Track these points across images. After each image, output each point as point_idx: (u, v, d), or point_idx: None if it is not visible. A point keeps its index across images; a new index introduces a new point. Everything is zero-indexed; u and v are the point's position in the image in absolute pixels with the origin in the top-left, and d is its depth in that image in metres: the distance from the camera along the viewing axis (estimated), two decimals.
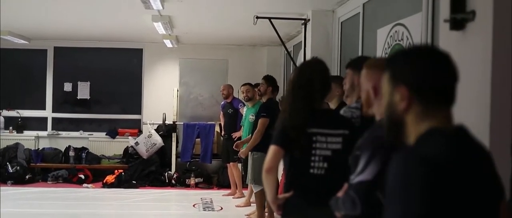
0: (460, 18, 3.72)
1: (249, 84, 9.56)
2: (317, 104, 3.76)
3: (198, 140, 12.01)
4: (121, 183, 11.21)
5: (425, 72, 1.91)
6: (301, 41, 8.81)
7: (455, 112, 2.72)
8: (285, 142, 3.67)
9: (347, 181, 3.01)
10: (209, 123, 12.13)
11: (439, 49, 2.02)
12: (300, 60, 9.17)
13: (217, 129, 11.91)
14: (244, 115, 9.72)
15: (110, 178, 11.29)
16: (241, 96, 9.99)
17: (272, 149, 3.68)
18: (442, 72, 1.93)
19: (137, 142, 11.81)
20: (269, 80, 8.58)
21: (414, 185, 1.75)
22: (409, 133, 1.93)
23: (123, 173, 11.39)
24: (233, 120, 10.27)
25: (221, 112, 10.80)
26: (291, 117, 3.69)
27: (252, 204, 9.25)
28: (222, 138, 10.68)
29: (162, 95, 12.55)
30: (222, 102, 10.99)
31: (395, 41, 5.86)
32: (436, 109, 1.92)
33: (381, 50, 6.23)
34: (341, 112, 3.92)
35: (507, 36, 3.41)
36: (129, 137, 12.19)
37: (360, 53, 7.01)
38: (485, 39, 3.49)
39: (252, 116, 9.26)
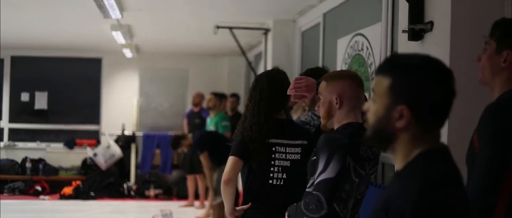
0: (418, 29, 3.74)
1: (212, 94, 9.52)
2: (276, 115, 3.72)
3: (158, 150, 11.90)
4: (79, 194, 11.02)
5: (431, 96, 1.79)
6: (263, 51, 8.79)
7: None
8: (244, 152, 3.63)
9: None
10: (169, 133, 12.02)
11: (445, 65, 1.85)
12: (261, 70, 9.15)
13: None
14: (207, 125, 9.69)
15: (67, 190, 11.09)
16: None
17: (230, 160, 3.64)
18: (446, 94, 1.82)
19: (95, 153, 11.64)
20: (217, 95, 8.59)
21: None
22: (398, 150, 1.85)
23: (81, 185, 11.21)
24: (200, 130, 10.18)
25: (186, 121, 10.70)
26: (250, 128, 3.65)
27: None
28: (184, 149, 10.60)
29: (122, 106, 12.42)
30: (188, 111, 10.90)
31: (355, 51, 5.86)
32: (431, 132, 1.85)
33: (341, 60, 6.23)
34: (301, 117, 3.90)
35: (464, 46, 3.43)
36: (88, 148, 12.01)
37: (320, 64, 7.00)
38: (443, 49, 3.50)
39: (213, 127, 9.22)
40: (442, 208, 1.72)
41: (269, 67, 8.25)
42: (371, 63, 5.47)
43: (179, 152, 10.75)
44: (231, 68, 12.44)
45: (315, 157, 2.95)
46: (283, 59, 8.03)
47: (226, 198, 3.67)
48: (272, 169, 3.65)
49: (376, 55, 5.34)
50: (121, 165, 11.87)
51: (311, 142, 3.62)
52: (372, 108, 1.87)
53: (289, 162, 3.67)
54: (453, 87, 1.83)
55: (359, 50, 5.78)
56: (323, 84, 3.04)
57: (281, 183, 3.66)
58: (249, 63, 9.02)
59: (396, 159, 1.88)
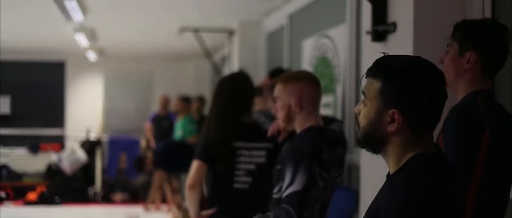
0: (381, 30, 3.72)
1: (178, 98, 9.48)
2: (241, 118, 3.69)
3: (123, 154, 11.77)
4: (43, 200, 10.85)
5: (423, 100, 1.77)
6: (228, 53, 8.74)
7: None
8: (208, 156, 3.60)
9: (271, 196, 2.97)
10: (134, 136, 11.91)
11: (436, 68, 1.82)
12: (226, 72, 9.10)
13: (142, 142, 11.70)
14: (174, 129, 9.62)
15: (32, 196, 10.92)
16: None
17: (194, 164, 3.60)
18: (438, 97, 1.80)
19: (60, 158, 11.47)
20: (183, 99, 8.55)
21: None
22: (390, 154, 1.83)
23: (45, 190, 11.03)
24: (168, 133, 10.07)
25: (150, 124, 10.61)
26: (215, 131, 3.61)
27: None
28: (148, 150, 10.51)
29: (86, 109, 12.30)
30: (153, 115, 10.80)
31: (321, 52, 5.84)
32: (423, 136, 1.82)
33: (306, 61, 6.20)
34: (255, 116, 3.89)
35: (427, 47, 3.41)
36: (52, 153, 11.84)
37: (286, 65, 6.98)
38: (406, 51, 3.48)
39: (180, 131, 9.15)
40: (427, 216, 1.69)
41: (234, 70, 8.21)
42: (336, 65, 5.45)
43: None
44: (197, 71, 12.38)
45: (279, 166, 2.92)
46: (249, 61, 7.98)
47: (191, 202, 3.63)
48: (237, 172, 3.63)
49: (341, 57, 5.32)
50: (87, 169, 11.71)
51: (277, 145, 3.60)
52: (363, 111, 1.84)
53: (254, 165, 3.65)
54: (444, 90, 1.81)
55: (324, 52, 5.76)
56: (280, 87, 2.99)
57: (247, 187, 3.64)
58: (213, 65, 8.96)
59: (389, 163, 1.86)
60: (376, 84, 1.79)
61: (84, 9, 7.08)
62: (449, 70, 2.52)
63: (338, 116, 5.33)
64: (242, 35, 8.15)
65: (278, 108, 3.03)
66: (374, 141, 1.83)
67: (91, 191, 11.34)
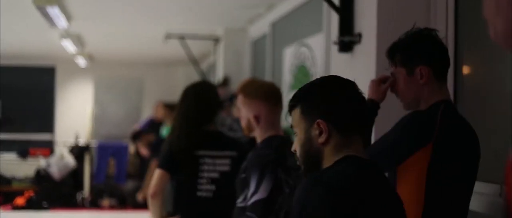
0: (347, 41, 3.76)
1: (162, 104, 9.48)
2: (204, 127, 3.72)
3: (112, 160, 11.79)
4: (31, 205, 10.85)
5: (341, 104, 1.92)
6: (214, 60, 8.77)
7: None
8: (171, 165, 3.63)
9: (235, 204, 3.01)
10: (123, 142, 11.93)
11: (344, 78, 2.01)
12: (212, 79, 9.14)
13: (131, 148, 11.71)
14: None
15: (20, 201, 10.93)
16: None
17: (157, 172, 3.63)
18: (354, 100, 1.94)
19: (49, 163, 11.49)
20: (167, 106, 8.55)
21: (311, 207, 1.77)
22: (326, 164, 1.92)
23: (33, 195, 11.05)
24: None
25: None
26: (178, 140, 3.64)
27: None
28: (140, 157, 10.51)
29: (76, 115, 12.32)
30: (147, 121, 10.77)
31: (300, 60, 5.87)
32: (352, 139, 1.92)
33: (287, 69, 6.24)
34: (229, 120, 3.92)
35: None
36: (41, 158, 11.86)
37: (268, 72, 7.01)
38: (370, 61, 3.52)
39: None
40: (321, 203, 1.76)
41: (220, 76, 8.24)
42: (314, 74, 5.48)
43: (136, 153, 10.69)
44: (186, 77, 12.37)
45: (244, 175, 2.96)
46: (234, 68, 8.02)
47: (153, 211, 3.66)
48: (200, 181, 3.66)
49: (318, 66, 5.35)
50: (75, 174, 11.73)
51: (241, 153, 3.63)
52: (297, 142, 1.96)
53: (218, 173, 3.68)
54: (359, 93, 1.95)
55: (303, 60, 5.79)
56: (240, 98, 3.07)
57: (210, 195, 3.67)
58: (199, 72, 8.99)
59: None
60: (297, 111, 1.94)
61: (68, 16, 7.11)
62: (407, 94, 2.53)
63: None
64: (227, 43, 8.19)
65: (241, 117, 3.12)
66: (313, 160, 1.92)
67: (79, 196, 11.36)
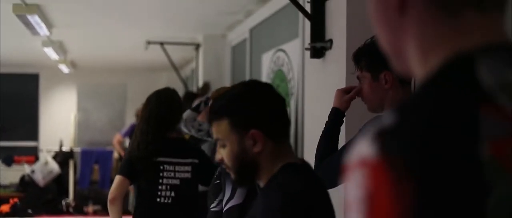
0: (319, 47, 3.85)
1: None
2: (167, 133, 3.76)
3: (96, 166, 11.83)
4: (16, 212, 10.86)
5: (270, 111, 1.95)
6: (195, 66, 8.86)
7: (317, 133, 2.81)
8: (130, 171, 3.68)
9: (197, 209, 3.08)
10: (107, 148, 11.97)
11: (262, 82, 2.09)
12: (193, 85, 9.21)
13: (116, 154, 11.75)
14: None
15: (5, 208, 10.93)
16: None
17: (117, 179, 3.69)
18: (278, 105, 1.99)
19: (33, 169, 11.51)
20: None
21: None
22: (264, 173, 1.94)
23: (18, 202, 11.06)
24: None
25: (122, 139, 10.62)
26: (137, 146, 3.69)
27: None
28: None
29: (60, 121, 12.33)
30: (130, 127, 10.79)
31: (277, 66, 5.97)
32: (284, 143, 1.97)
33: (265, 75, 6.34)
34: (184, 115, 3.93)
35: None
36: (25, 165, 11.87)
37: (247, 78, 7.10)
38: (341, 67, 3.61)
39: None
40: (284, 213, 1.80)
41: (200, 82, 8.33)
42: (291, 79, 5.58)
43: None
44: (169, 83, 12.23)
45: (218, 181, 3.02)
46: (214, 74, 8.11)
47: (112, 216, 3.69)
48: (160, 187, 3.70)
49: (295, 71, 5.45)
50: (60, 181, 11.75)
51: (203, 160, 3.70)
52: (225, 153, 1.95)
53: (178, 180, 3.72)
54: (279, 97, 2.00)
55: (280, 66, 5.89)
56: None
57: (169, 201, 3.71)
58: (180, 78, 9.08)
59: (262, 179, 1.96)
60: (224, 122, 1.93)
61: (49, 24, 7.17)
62: (372, 98, 2.59)
63: (292, 128, 5.46)
64: (207, 48, 8.28)
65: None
66: (248, 169, 1.93)
67: (64, 202, 11.38)
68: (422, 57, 0.84)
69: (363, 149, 0.75)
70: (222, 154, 1.96)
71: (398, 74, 2.50)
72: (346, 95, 2.69)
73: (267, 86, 2.04)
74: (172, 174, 3.71)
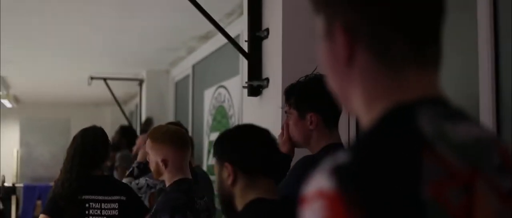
0: (256, 85, 3.93)
1: None
2: (92, 171, 3.79)
3: (39, 201, 11.65)
4: None
5: (243, 148, 2.12)
6: (138, 101, 8.89)
7: None
8: (55, 210, 3.65)
9: None
10: (50, 183, 11.81)
11: (258, 126, 2.23)
12: (136, 120, 9.22)
13: None
14: None
15: None
16: None
17: (40, 217, 3.67)
18: (260, 147, 2.15)
19: None
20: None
21: None
22: (238, 204, 2.10)
23: None
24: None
25: None
26: (61, 184, 3.69)
27: None
28: None
29: (2, 156, 12.13)
30: None
31: (219, 102, 6.07)
32: (259, 180, 2.11)
33: (207, 110, 6.42)
34: (142, 180, 4.02)
35: None
36: None
37: (190, 114, 7.18)
38: (276, 104, 3.70)
39: None
40: None
41: (144, 117, 8.36)
42: (232, 115, 5.68)
43: None
44: (113, 118, 12.41)
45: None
46: (157, 109, 8.16)
47: None
48: None
49: (235, 107, 5.55)
50: (2, 217, 11.54)
51: (131, 198, 3.74)
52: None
53: (105, 217, 3.76)
54: (268, 142, 2.17)
55: (222, 102, 5.99)
56: (148, 143, 3.16)
57: None
58: (124, 113, 9.09)
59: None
60: (214, 156, 2.19)
61: None
62: (296, 135, 2.64)
63: None
64: (150, 84, 8.33)
65: (150, 161, 3.22)
66: (226, 200, 2.13)
67: None
68: (367, 105, 0.96)
69: (320, 182, 0.85)
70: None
71: (327, 116, 2.61)
72: (281, 138, 2.73)
73: (257, 129, 2.22)
74: (98, 212, 3.70)
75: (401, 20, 0.93)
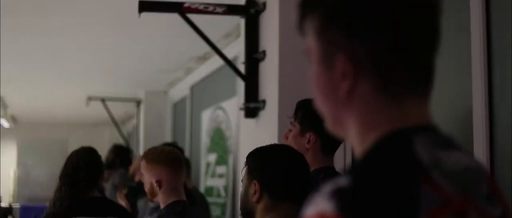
0: (253, 107, 3.94)
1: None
2: (85, 193, 3.76)
3: None
4: None
5: (275, 171, 2.16)
6: (136, 122, 8.89)
7: None
8: None
9: None
10: (47, 204, 11.77)
11: (294, 150, 2.29)
12: (134, 141, 9.21)
13: None
14: None
15: None
16: None
17: None
18: (289, 172, 2.18)
19: None
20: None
21: None
22: None
23: None
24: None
25: None
26: (54, 205, 3.67)
27: None
28: None
29: None
30: None
31: (216, 123, 6.07)
32: (282, 205, 2.14)
33: (205, 132, 6.42)
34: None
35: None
36: None
37: (188, 134, 7.18)
38: (272, 126, 3.71)
39: None
40: None
41: (142, 138, 8.35)
42: (229, 136, 5.68)
43: None
44: (111, 139, 12.37)
45: None
46: (155, 130, 8.15)
47: None
48: None
49: (233, 129, 5.55)
50: None
51: (123, 217, 3.74)
52: (241, 192, 2.25)
53: None
54: (299, 168, 2.22)
55: (220, 123, 5.99)
56: (143, 164, 3.16)
57: None
58: (122, 134, 9.08)
59: None
60: (245, 168, 2.23)
61: None
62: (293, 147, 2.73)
63: (230, 186, 5.53)
64: (148, 105, 8.34)
65: (144, 183, 3.21)
66: (247, 213, 2.20)
67: None
68: (363, 134, 0.97)
69: (321, 205, 0.86)
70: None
71: (326, 141, 2.61)
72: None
73: (292, 153, 2.27)
74: None
75: (404, 49, 0.94)
